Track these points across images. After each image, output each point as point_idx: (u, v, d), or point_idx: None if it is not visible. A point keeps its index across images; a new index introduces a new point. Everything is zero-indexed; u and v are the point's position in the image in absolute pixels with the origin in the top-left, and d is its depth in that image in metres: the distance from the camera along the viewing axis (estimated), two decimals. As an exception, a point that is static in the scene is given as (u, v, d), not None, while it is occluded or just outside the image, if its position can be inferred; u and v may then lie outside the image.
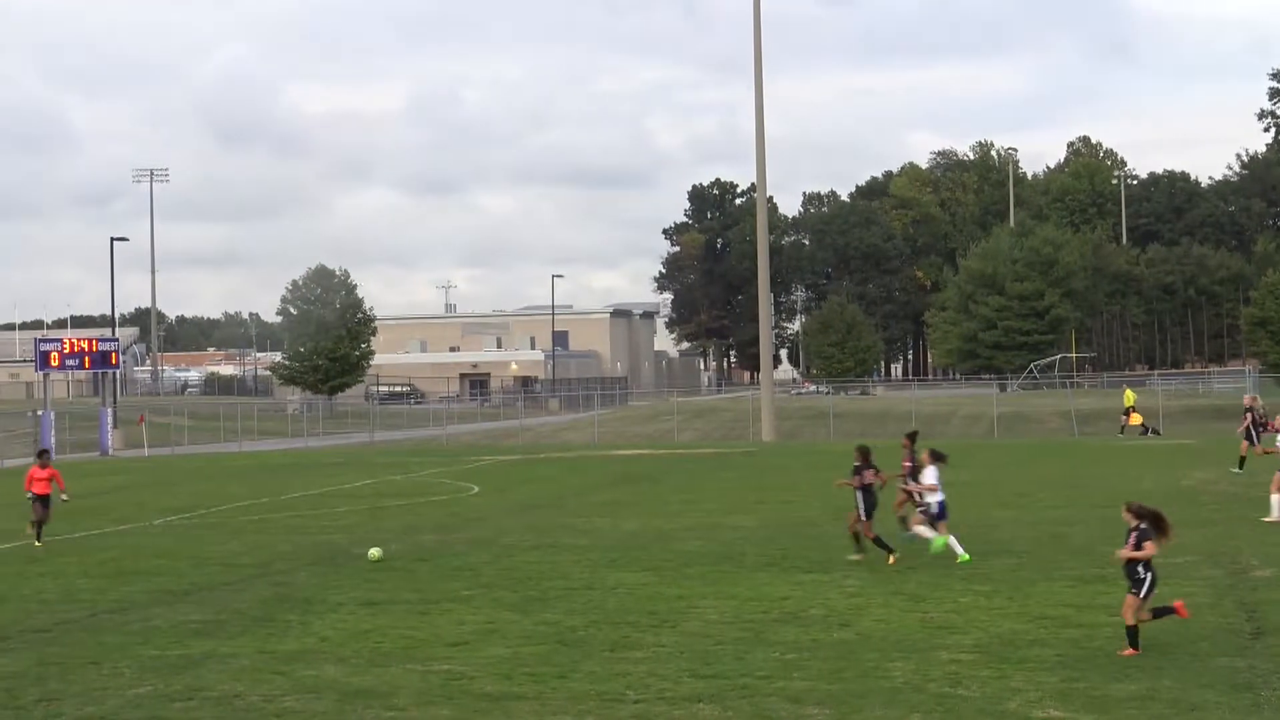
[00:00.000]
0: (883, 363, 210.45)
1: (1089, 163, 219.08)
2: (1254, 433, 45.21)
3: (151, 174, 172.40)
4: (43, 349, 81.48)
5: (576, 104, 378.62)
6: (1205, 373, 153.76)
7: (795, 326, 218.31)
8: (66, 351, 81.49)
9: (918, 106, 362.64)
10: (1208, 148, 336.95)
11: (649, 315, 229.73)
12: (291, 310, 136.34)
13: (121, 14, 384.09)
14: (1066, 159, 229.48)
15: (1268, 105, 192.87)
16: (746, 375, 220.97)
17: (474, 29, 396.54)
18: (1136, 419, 74.55)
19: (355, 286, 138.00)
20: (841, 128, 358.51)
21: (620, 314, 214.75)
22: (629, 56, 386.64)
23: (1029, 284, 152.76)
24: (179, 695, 16.08)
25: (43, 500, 32.05)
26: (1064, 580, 22.95)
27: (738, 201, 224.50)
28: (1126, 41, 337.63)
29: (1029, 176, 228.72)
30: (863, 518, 25.73)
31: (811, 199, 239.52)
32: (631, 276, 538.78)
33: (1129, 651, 17.07)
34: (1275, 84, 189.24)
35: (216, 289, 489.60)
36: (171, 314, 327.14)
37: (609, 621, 20.15)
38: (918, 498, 26.55)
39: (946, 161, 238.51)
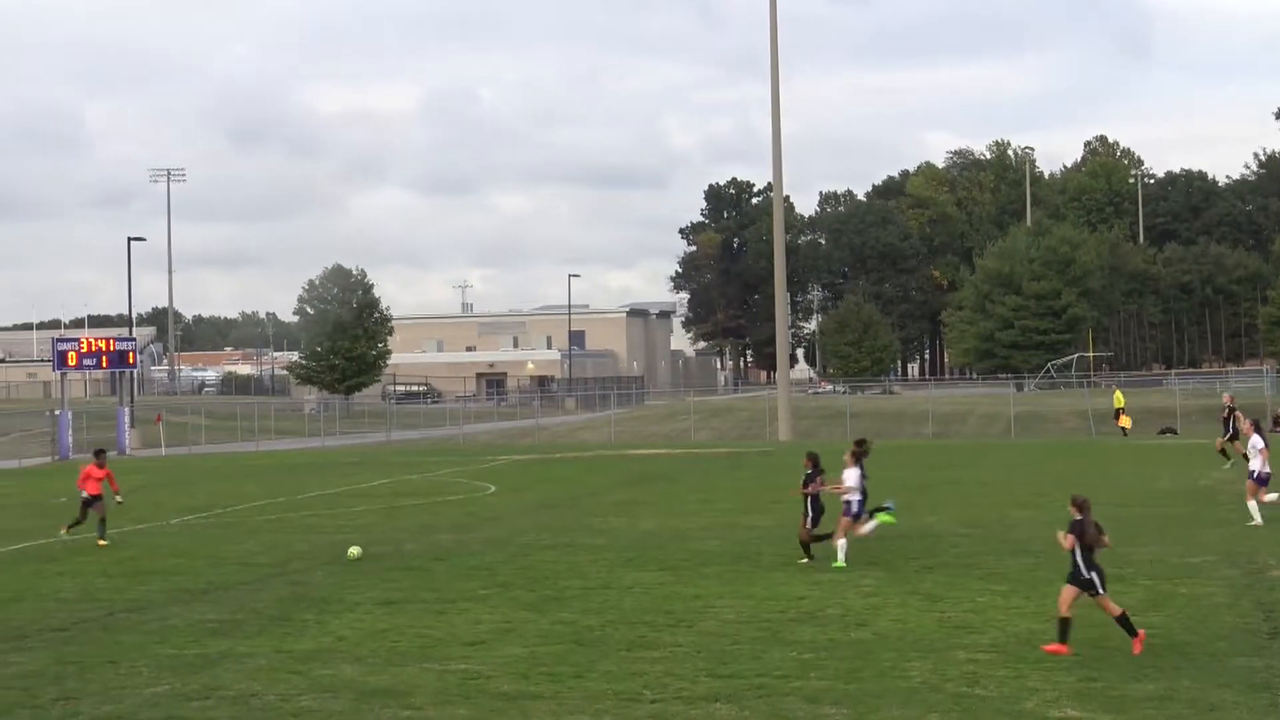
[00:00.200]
0: (899, 362, 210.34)
1: (1106, 162, 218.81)
2: (1229, 427, 45.55)
3: (168, 174, 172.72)
4: (60, 349, 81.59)
5: (591, 103, 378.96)
6: (1223, 372, 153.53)
7: (812, 326, 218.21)
8: (84, 351, 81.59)
9: (934, 106, 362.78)
10: (1225, 147, 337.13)
11: (665, 315, 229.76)
12: (308, 310, 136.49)
13: (137, 14, 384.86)
14: (1083, 158, 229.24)
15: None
16: (763, 375, 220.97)
17: (488, 28, 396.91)
18: (1125, 421, 75.02)
19: (372, 286, 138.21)
20: (858, 127, 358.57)
21: (637, 313, 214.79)
22: (644, 56, 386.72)
23: (1046, 283, 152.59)
24: (196, 694, 16.09)
25: (95, 500, 31.77)
26: (1081, 580, 22.88)
27: (754, 201, 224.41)
28: (1144, 40, 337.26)
29: (1046, 176, 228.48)
30: (809, 525, 26.01)
31: (828, 198, 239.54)
32: (647, 276, 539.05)
33: (1138, 648, 17.01)
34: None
35: (233, 289, 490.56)
36: (189, 314, 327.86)
37: (625, 621, 20.15)
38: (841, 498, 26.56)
39: (963, 161, 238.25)
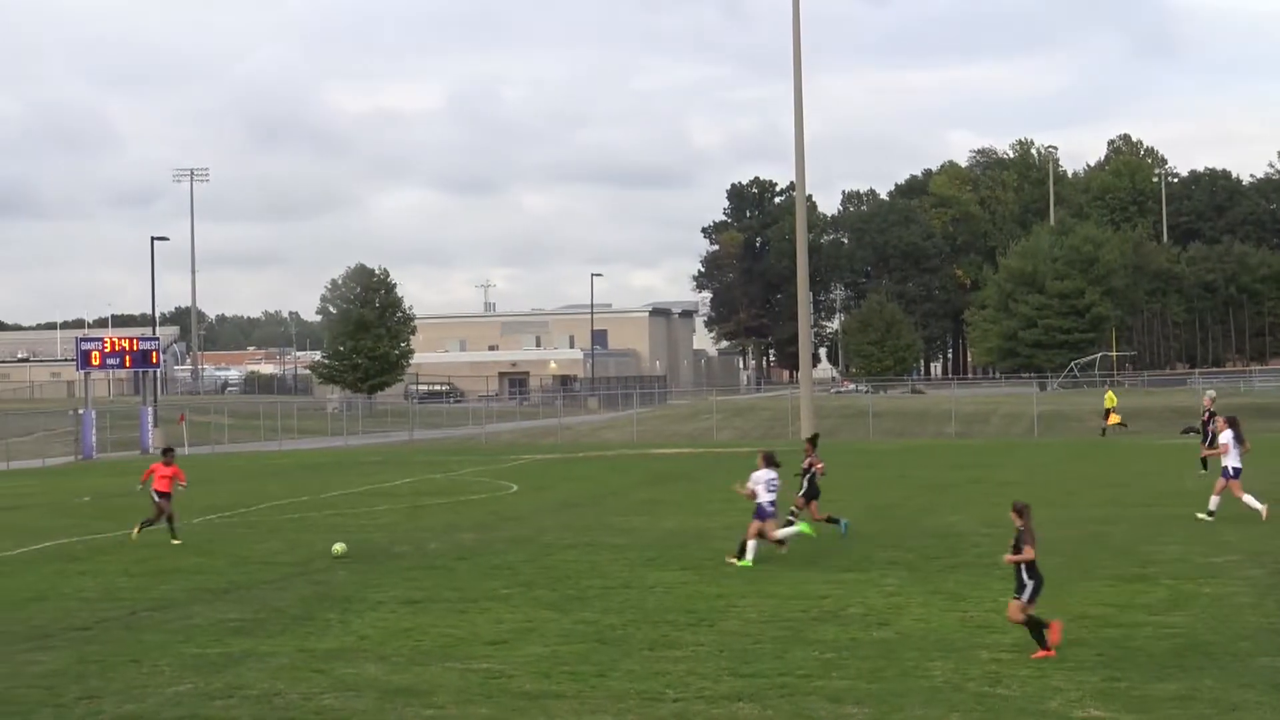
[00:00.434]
0: (922, 361, 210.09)
1: (1129, 161, 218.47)
2: (1206, 430, 45.13)
3: (192, 174, 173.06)
4: (84, 348, 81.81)
5: (615, 103, 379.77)
6: (1246, 371, 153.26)
7: (834, 325, 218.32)
8: (107, 350, 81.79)
9: (957, 104, 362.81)
10: (1249, 145, 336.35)
11: (688, 314, 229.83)
12: (331, 309, 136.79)
13: (162, 14, 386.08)
14: (1107, 157, 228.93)
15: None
16: (785, 374, 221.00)
17: (513, 28, 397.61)
18: (1115, 419, 75.18)
19: (394, 285, 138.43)
20: (881, 126, 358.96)
21: (659, 313, 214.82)
22: (668, 55, 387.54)
23: (1069, 282, 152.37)
24: (219, 693, 16.11)
25: (165, 497, 31.71)
26: (1104, 579, 22.83)
27: (777, 200, 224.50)
28: (1167, 39, 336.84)
29: (1069, 175, 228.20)
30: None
31: (851, 197, 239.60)
32: (670, 275, 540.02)
33: (1042, 654, 16.93)
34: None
35: (256, 288, 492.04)
36: (212, 313, 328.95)
37: (648, 620, 20.13)
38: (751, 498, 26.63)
39: (986, 160, 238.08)
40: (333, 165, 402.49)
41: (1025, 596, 17.09)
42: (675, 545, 28.72)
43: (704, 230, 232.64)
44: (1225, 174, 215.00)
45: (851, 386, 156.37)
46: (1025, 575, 17.12)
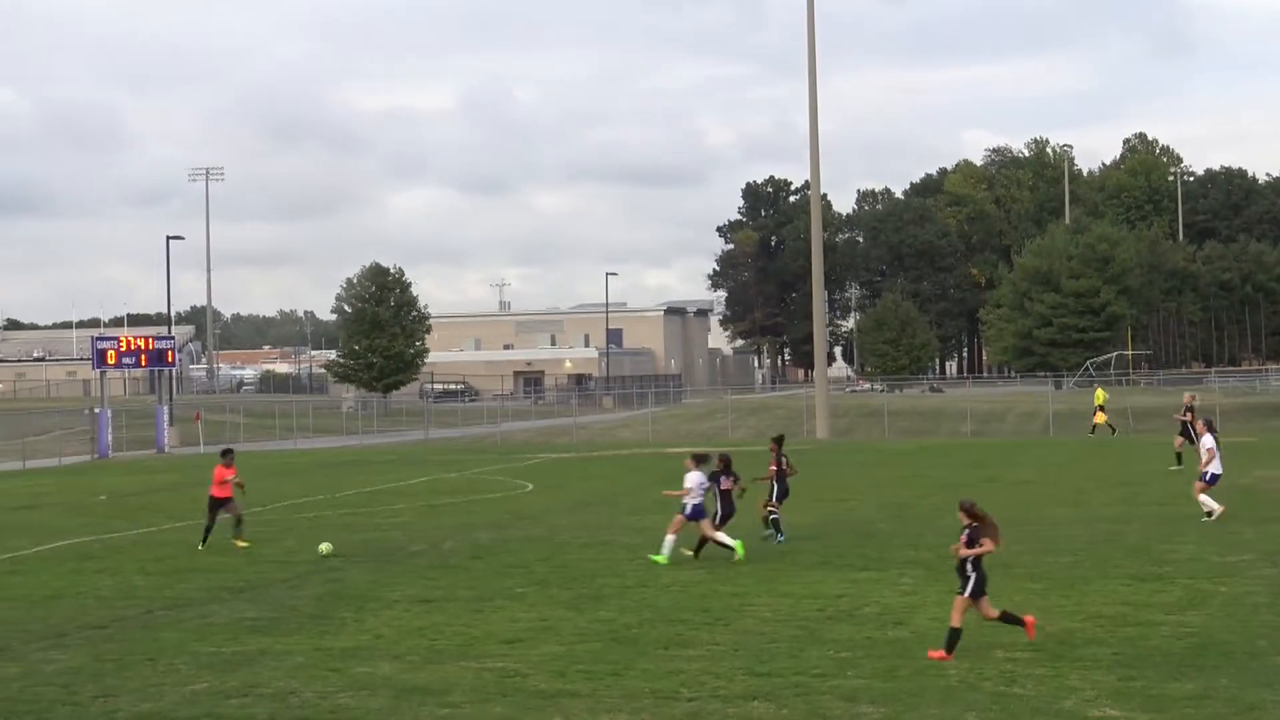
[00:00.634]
0: (937, 360, 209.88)
1: (1145, 159, 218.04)
2: (1190, 430, 44.68)
3: (207, 173, 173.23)
4: (100, 347, 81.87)
5: (629, 102, 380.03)
6: (1263, 370, 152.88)
7: (849, 324, 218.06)
8: (123, 350, 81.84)
9: (972, 103, 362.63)
10: (1265, 144, 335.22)
11: (703, 313, 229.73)
12: (346, 308, 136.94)
13: (177, 13, 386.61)
14: (1122, 155, 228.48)
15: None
16: (800, 373, 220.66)
17: (527, 28, 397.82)
18: (1101, 418, 75.17)
19: (409, 284, 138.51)
20: (895, 125, 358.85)
21: (674, 312, 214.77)
22: (682, 54, 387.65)
23: (1085, 281, 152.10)
24: (234, 692, 16.13)
25: (228, 501, 30.61)
26: (1120, 578, 22.80)
27: (792, 199, 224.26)
28: (1183, 37, 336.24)
29: (1084, 173, 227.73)
30: (715, 520, 26.42)
31: (866, 196, 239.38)
32: (685, 274, 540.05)
33: (938, 654, 16.91)
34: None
35: (271, 287, 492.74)
36: (227, 312, 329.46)
37: (663, 619, 20.14)
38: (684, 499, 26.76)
39: (1001, 158, 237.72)
40: (347, 164, 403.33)
41: (967, 591, 17.10)
42: (690, 544, 28.71)
43: (719, 229, 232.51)
44: (1241, 172, 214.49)
45: (866, 385, 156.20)
46: (970, 568, 17.11)
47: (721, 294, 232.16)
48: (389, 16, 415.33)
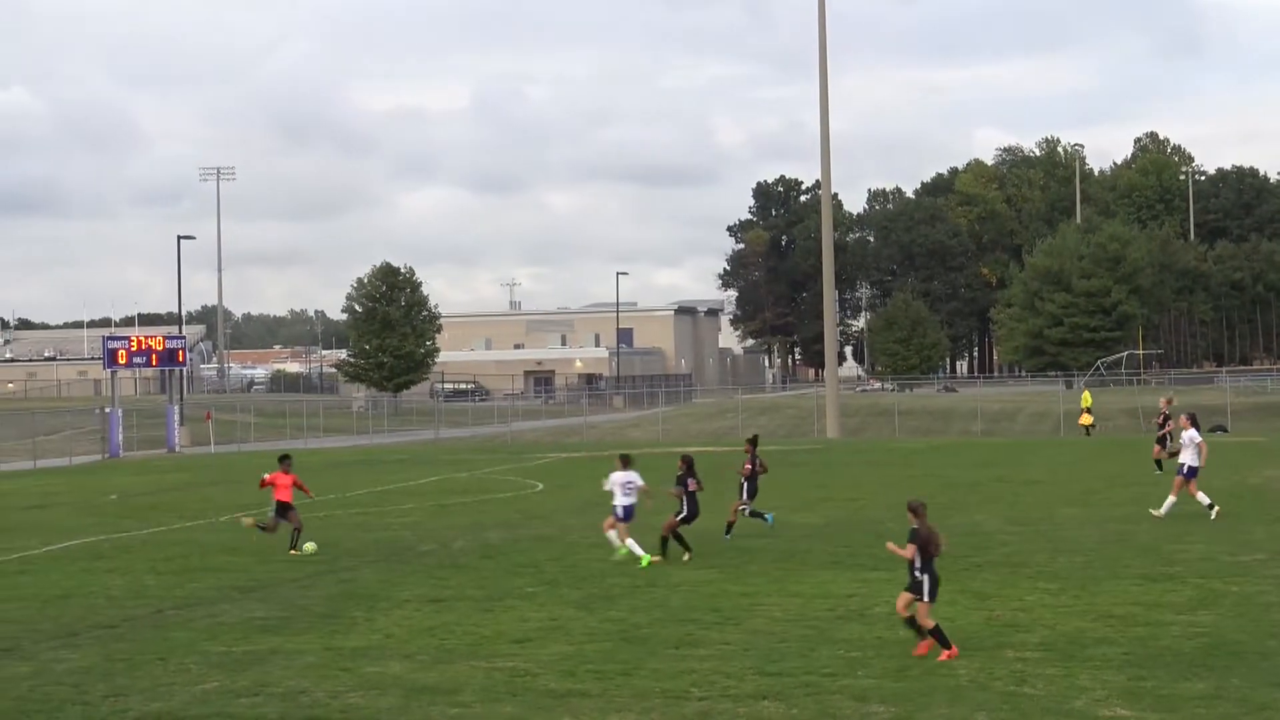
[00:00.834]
0: (948, 360, 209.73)
1: (1156, 158, 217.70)
2: (1167, 441, 43.55)
3: (218, 172, 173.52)
4: (110, 347, 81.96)
5: (640, 101, 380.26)
6: (1274, 370, 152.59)
7: (860, 324, 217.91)
8: (134, 349, 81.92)
9: (983, 103, 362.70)
10: (1277, 143, 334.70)
11: (713, 312, 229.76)
12: (357, 308, 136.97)
13: (188, 13, 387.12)
14: (1134, 155, 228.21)
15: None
16: (811, 372, 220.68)
17: (538, 27, 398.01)
18: (1087, 419, 75.33)
19: (420, 284, 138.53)
20: (906, 124, 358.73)
21: (684, 311, 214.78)
22: (692, 53, 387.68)
23: (1096, 281, 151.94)
24: (245, 691, 16.15)
25: (285, 507, 29.91)
26: (1131, 578, 22.78)
27: (802, 198, 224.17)
28: (1194, 36, 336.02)
29: (1096, 173, 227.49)
30: (676, 519, 26.74)
31: (876, 196, 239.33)
32: (695, 274, 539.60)
33: (946, 654, 16.89)
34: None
35: (282, 287, 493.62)
36: (238, 312, 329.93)
37: (673, 619, 20.13)
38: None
39: (1012, 158, 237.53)
40: (358, 164, 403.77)
41: (924, 596, 17.08)
42: (700, 544, 28.69)
43: (730, 228, 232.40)
44: (1253, 172, 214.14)
45: (877, 385, 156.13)
46: (917, 573, 17.09)
47: (732, 293, 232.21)
48: (401, 16, 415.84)
